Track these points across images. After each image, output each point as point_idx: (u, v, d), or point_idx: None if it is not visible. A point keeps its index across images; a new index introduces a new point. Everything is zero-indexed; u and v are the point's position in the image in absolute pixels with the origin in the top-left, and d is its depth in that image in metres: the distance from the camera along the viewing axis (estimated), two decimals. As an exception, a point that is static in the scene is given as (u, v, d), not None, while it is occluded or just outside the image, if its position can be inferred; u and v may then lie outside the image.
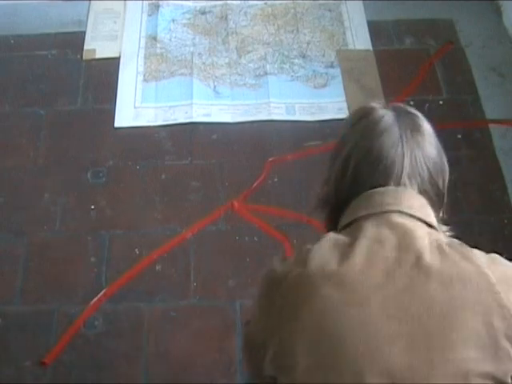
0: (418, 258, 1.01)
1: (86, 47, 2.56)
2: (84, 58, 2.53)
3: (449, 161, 2.26)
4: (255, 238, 2.04)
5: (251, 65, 2.52)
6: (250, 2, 2.74)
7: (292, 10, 2.71)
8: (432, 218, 1.10)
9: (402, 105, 1.19)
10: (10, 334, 1.87)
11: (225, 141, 2.29)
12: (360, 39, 2.60)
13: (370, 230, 1.05)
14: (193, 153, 2.26)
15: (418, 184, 1.10)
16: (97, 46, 2.57)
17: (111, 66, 2.51)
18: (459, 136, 2.29)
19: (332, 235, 1.08)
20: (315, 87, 2.45)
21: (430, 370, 0.95)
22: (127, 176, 2.21)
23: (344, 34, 2.63)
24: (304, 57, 2.55)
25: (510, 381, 1.00)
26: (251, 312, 1.16)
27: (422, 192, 1.10)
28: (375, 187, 1.09)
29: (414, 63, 2.51)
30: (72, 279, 1.97)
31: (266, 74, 2.49)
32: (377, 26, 2.63)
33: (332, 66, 2.50)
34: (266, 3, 2.74)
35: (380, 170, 1.09)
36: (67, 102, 2.41)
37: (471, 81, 2.45)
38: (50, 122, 2.35)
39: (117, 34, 2.63)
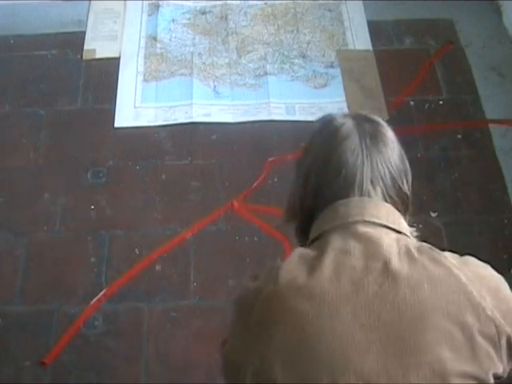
0: (386, 265, 1.01)
1: (86, 47, 2.56)
2: (84, 58, 2.53)
3: (449, 161, 2.26)
4: (255, 238, 2.04)
5: (251, 65, 2.52)
6: (250, 2, 2.74)
7: (292, 10, 2.71)
8: (400, 223, 1.10)
9: (362, 112, 1.19)
10: (10, 334, 1.87)
11: (225, 141, 2.29)
12: (360, 39, 2.60)
13: (336, 241, 1.05)
14: (193, 153, 2.26)
15: (381, 190, 1.10)
16: (97, 46, 2.57)
17: (111, 66, 2.51)
18: (459, 136, 2.29)
19: (299, 250, 1.09)
20: (315, 87, 2.45)
21: (406, 373, 0.95)
22: (127, 176, 2.21)
23: (344, 34, 2.63)
24: (304, 57, 2.55)
25: (492, 380, 1.00)
26: (228, 332, 1.16)
27: (387, 198, 1.10)
28: (339, 198, 1.09)
29: (414, 63, 2.51)
30: (72, 279, 1.97)
31: (266, 73, 2.49)
32: (377, 26, 2.63)
33: (332, 66, 2.50)
34: (266, 3, 2.74)
35: (342, 181, 1.10)
36: (67, 101, 2.41)
37: (471, 81, 2.45)
38: (50, 122, 2.35)
39: (117, 33, 2.63)
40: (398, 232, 1.08)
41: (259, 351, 1.02)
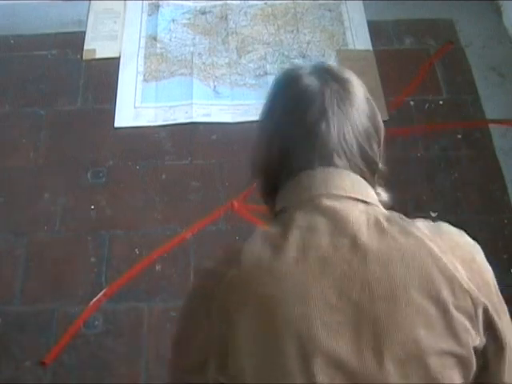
0: (354, 240, 0.96)
1: (86, 47, 2.56)
2: (84, 58, 2.53)
3: (449, 161, 2.25)
4: (255, 238, 2.04)
5: (251, 65, 2.52)
6: (250, 2, 2.74)
7: (292, 10, 2.71)
8: (367, 193, 1.04)
9: (329, 66, 1.11)
10: (10, 334, 1.87)
11: (225, 141, 2.29)
12: (360, 39, 2.60)
13: (300, 217, 1.00)
14: (193, 153, 2.26)
15: (347, 160, 1.03)
16: (97, 46, 2.57)
17: (111, 66, 2.51)
18: (459, 136, 2.29)
19: (262, 229, 1.03)
20: (315, 87, 2.45)
21: (379, 355, 0.91)
22: (127, 176, 2.21)
23: (344, 34, 2.63)
24: (304, 57, 2.55)
25: (473, 354, 0.96)
26: (180, 328, 1.10)
27: (353, 167, 1.04)
28: (304, 167, 1.03)
29: (414, 63, 2.51)
30: (72, 279, 1.97)
31: (265, 73, 2.49)
32: (377, 26, 2.63)
33: (332, 66, 2.50)
34: (266, 3, 2.74)
35: (307, 149, 1.03)
36: (67, 101, 2.41)
37: (471, 81, 2.45)
38: (50, 122, 2.35)
39: (117, 33, 2.63)
40: (366, 203, 1.02)
41: (224, 341, 0.97)
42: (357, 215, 0.99)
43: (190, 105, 2.39)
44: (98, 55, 2.54)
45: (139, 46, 2.59)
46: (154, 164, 2.23)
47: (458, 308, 0.94)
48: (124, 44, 2.60)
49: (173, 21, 2.68)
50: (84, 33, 2.61)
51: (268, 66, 2.51)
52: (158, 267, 1.99)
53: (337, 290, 0.94)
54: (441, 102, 2.39)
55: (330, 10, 2.72)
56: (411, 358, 0.92)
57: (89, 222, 2.10)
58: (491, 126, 2.32)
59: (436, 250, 0.96)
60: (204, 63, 2.53)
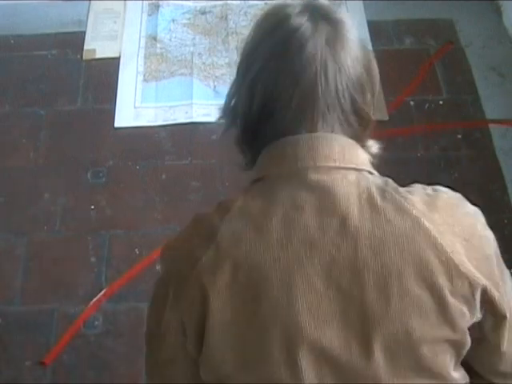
0: (344, 221, 0.88)
1: (86, 47, 2.56)
2: (84, 58, 2.53)
3: (449, 161, 2.24)
4: (255, 238, 2.04)
5: (251, 65, 2.52)
6: (250, 2, 2.74)
7: (292, 10, 2.71)
8: (357, 158, 0.94)
9: (323, 6, 0.98)
10: (10, 334, 1.87)
11: (225, 141, 2.29)
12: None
13: (284, 193, 0.90)
14: (193, 153, 2.26)
15: (338, 114, 0.93)
16: (97, 46, 2.57)
17: (111, 66, 2.51)
18: (459, 136, 2.29)
19: (240, 202, 0.95)
20: (315, 87, 2.45)
21: (368, 347, 0.87)
22: (127, 176, 2.21)
23: (344, 33, 2.62)
24: (304, 57, 2.54)
25: (467, 335, 0.92)
26: (150, 323, 1.03)
27: (344, 122, 0.94)
28: (288, 126, 0.93)
29: (414, 63, 2.51)
30: (72, 279, 1.97)
31: (265, 73, 2.49)
32: (377, 26, 2.63)
33: (332, 66, 2.50)
34: (266, 3, 2.74)
35: (293, 102, 0.92)
36: (67, 101, 2.41)
37: (471, 81, 2.45)
38: (50, 122, 2.35)
39: (117, 33, 2.63)
40: (358, 170, 0.93)
41: (199, 332, 0.91)
42: (347, 190, 0.90)
43: (189, 105, 2.39)
44: (98, 55, 2.54)
45: (139, 46, 2.59)
46: (154, 164, 2.23)
47: (454, 294, 0.89)
48: (124, 44, 2.60)
49: (173, 21, 2.68)
50: (84, 33, 2.61)
51: (268, 66, 2.51)
52: (158, 267, 1.99)
53: (324, 277, 0.87)
54: (441, 102, 2.39)
55: (330, 10, 2.71)
56: (402, 349, 0.88)
57: (89, 222, 2.09)
58: (491, 126, 2.32)
59: (433, 230, 0.89)
60: (204, 63, 2.53)
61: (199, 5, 2.74)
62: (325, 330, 0.87)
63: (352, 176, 0.92)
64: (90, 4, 2.72)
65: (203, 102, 2.40)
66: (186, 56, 2.55)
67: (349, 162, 0.93)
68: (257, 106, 0.96)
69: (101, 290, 1.94)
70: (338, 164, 0.92)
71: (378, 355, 0.88)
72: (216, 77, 2.48)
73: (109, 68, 2.50)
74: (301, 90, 0.92)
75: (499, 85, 2.45)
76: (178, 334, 0.95)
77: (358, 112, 0.96)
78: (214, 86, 2.45)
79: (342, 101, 0.93)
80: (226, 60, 2.54)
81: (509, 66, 2.51)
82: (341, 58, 0.93)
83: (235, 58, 2.54)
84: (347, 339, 0.87)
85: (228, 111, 1.04)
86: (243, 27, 2.65)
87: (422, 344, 0.89)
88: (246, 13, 2.70)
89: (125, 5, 2.74)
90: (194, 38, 2.62)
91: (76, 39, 2.58)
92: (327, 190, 0.90)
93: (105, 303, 1.92)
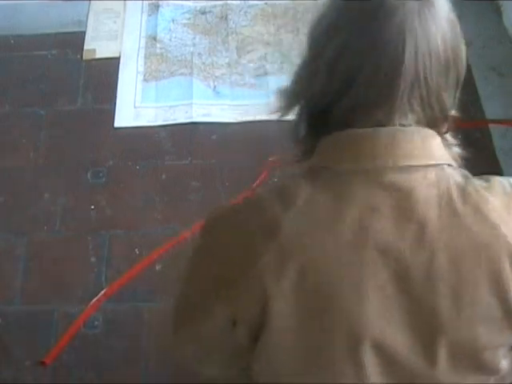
0: (422, 228, 0.84)
1: (86, 47, 2.56)
2: (84, 58, 2.53)
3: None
4: (255, 238, 2.04)
5: (251, 65, 2.52)
6: (250, 2, 2.74)
7: (292, 10, 2.71)
8: (438, 150, 0.90)
9: None
10: (10, 334, 1.87)
11: (225, 141, 2.29)
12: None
13: (359, 193, 0.85)
14: (193, 153, 2.26)
15: (420, 97, 0.87)
16: (97, 46, 2.57)
17: (111, 66, 2.51)
18: (459, 136, 2.29)
19: (308, 195, 0.86)
20: (315, 87, 2.45)
21: (434, 351, 0.86)
22: (127, 176, 2.21)
23: (344, 33, 2.62)
24: (304, 57, 2.54)
25: None
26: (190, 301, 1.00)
27: (426, 108, 0.88)
28: (363, 107, 0.86)
29: (414, 63, 2.51)
30: (72, 279, 1.97)
31: (266, 73, 2.49)
32: (377, 26, 2.62)
33: (332, 66, 2.50)
34: (266, 3, 2.74)
35: (374, 79, 0.85)
36: (67, 101, 2.41)
37: (471, 81, 2.45)
38: (50, 122, 2.35)
39: (117, 33, 2.63)
40: (438, 166, 0.88)
41: (252, 330, 0.88)
42: (427, 193, 0.85)
43: (189, 105, 2.39)
44: (98, 55, 2.54)
45: (139, 46, 2.59)
46: (154, 164, 2.23)
47: None
48: (124, 44, 2.60)
49: (173, 21, 2.68)
50: (84, 33, 2.61)
51: (268, 66, 2.51)
52: (158, 267, 1.99)
53: (396, 283, 0.84)
54: (441, 102, 2.39)
55: (330, 10, 2.71)
56: (466, 354, 0.88)
57: (89, 222, 2.09)
58: (491, 126, 2.32)
59: (509, 236, 0.85)
60: (204, 63, 2.53)
61: (199, 5, 2.74)
62: (391, 332, 0.86)
63: (432, 174, 0.87)
64: (89, 4, 2.72)
65: (203, 102, 2.40)
66: (186, 56, 2.55)
67: (429, 158, 0.88)
68: (335, 84, 0.88)
69: (101, 290, 1.94)
70: (418, 162, 0.87)
71: (442, 359, 0.87)
72: (216, 77, 2.48)
73: (109, 68, 2.50)
74: (386, 64, 0.84)
75: (499, 85, 2.45)
76: (225, 321, 0.92)
77: (439, 98, 0.89)
78: (214, 86, 2.45)
79: (428, 80, 0.86)
80: (226, 60, 2.54)
81: (509, 66, 2.51)
82: (431, 33, 0.86)
83: (235, 57, 2.54)
84: (413, 342, 0.86)
85: (293, 93, 0.96)
86: (243, 27, 2.65)
87: (486, 349, 0.89)
88: (245, 13, 2.70)
89: (125, 5, 2.74)
90: (194, 38, 2.62)
91: (76, 39, 2.58)
92: (406, 192, 0.85)
93: (105, 303, 1.92)
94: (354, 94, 0.86)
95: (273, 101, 0.99)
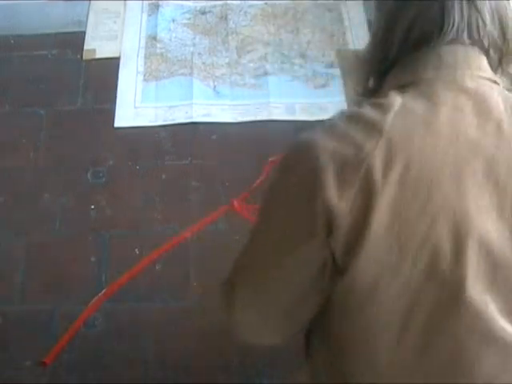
0: (499, 126, 0.94)
1: (86, 47, 2.56)
2: (84, 58, 2.53)
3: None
4: (255, 238, 2.03)
5: (251, 65, 2.52)
6: (250, 2, 2.74)
7: (292, 10, 2.71)
8: (495, 76, 1.01)
9: None
10: (10, 334, 1.87)
11: (225, 141, 2.29)
12: (360, 39, 2.59)
13: (446, 96, 0.95)
14: (193, 153, 2.26)
15: (486, 33, 0.99)
16: (97, 46, 2.57)
17: (111, 66, 2.51)
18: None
19: (403, 101, 0.95)
20: (315, 87, 2.45)
21: None
22: (127, 176, 2.21)
23: (344, 33, 2.62)
24: (304, 57, 2.54)
25: None
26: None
27: (491, 44, 1.00)
28: (437, 41, 0.98)
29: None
30: (72, 279, 1.97)
31: (266, 73, 2.49)
32: (377, 26, 2.62)
33: (332, 66, 2.50)
34: (266, 3, 2.74)
35: (445, 17, 0.97)
36: (67, 102, 2.41)
37: None
38: (50, 122, 2.35)
39: (117, 33, 2.63)
40: (497, 84, 1.00)
41: (350, 238, 0.89)
42: (496, 100, 0.96)
43: (190, 105, 2.39)
44: (98, 55, 2.54)
45: (139, 46, 2.59)
46: (154, 164, 2.23)
47: None
48: (124, 44, 2.60)
49: (173, 21, 2.68)
50: (84, 33, 2.61)
51: (268, 66, 2.51)
52: (158, 267, 1.99)
53: (486, 173, 0.92)
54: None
55: (329, 10, 2.71)
56: None
57: (89, 222, 2.09)
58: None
59: None
60: (204, 63, 2.53)
61: (199, 5, 2.74)
62: (487, 223, 0.91)
63: (495, 86, 0.98)
64: (89, 4, 2.72)
65: (203, 102, 2.40)
66: (186, 56, 2.55)
67: (492, 76, 0.99)
68: (403, 20, 0.99)
69: (101, 290, 1.94)
70: (486, 75, 0.98)
71: None
72: (216, 77, 2.48)
73: (109, 68, 2.50)
74: (453, 8, 0.96)
75: (499, 85, 2.45)
76: (298, 265, 0.95)
77: (500, 35, 1.00)
78: (214, 86, 2.45)
79: (495, 21, 0.98)
80: (226, 60, 2.54)
81: (509, 66, 2.50)
82: None
83: (235, 57, 2.55)
84: (503, 232, 0.91)
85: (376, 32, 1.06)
86: (243, 27, 2.65)
87: None
88: (245, 13, 2.70)
89: (125, 5, 2.74)
90: (194, 38, 2.62)
91: (76, 39, 2.58)
92: (482, 96, 0.95)
93: (105, 303, 1.92)
94: (414, 30, 0.98)
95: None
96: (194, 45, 2.59)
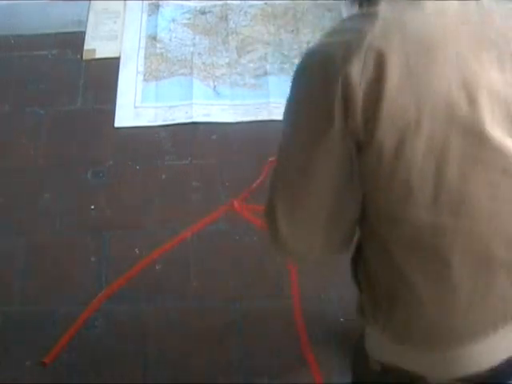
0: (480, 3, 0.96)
1: (86, 47, 2.56)
2: (84, 58, 2.53)
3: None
4: (255, 238, 2.04)
5: (251, 65, 2.52)
6: (250, 2, 2.74)
7: (292, 10, 2.71)
8: None
9: None
10: (10, 334, 1.88)
11: (225, 141, 2.29)
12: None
13: None
14: (193, 153, 2.26)
15: None
16: (97, 46, 2.57)
17: (111, 66, 2.51)
18: None
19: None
20: (315, 87, 2.45)
21: None
22: (127, 176, 2.21)
23: (344, 33, 2.62)
24: (304, 57, 2.54)
25: None
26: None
27: None
28: None
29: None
30: (72, 279, 1.97)
31: (266, 73, 2.49)
32: (377, 26, 2.63)
33: (332, 66, 2.50)
34: (266, 3, 2.74)
35: None
36: (67, 101, 2.41)
37: None
38: (50, 122, 2.35)
39: (117, 33, 2.63)
40: None
41: (368, 111, 0.92)
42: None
43: (190, 105, 2.39)
44: (98, 55, 2.54)
45: (139, 46, 2.59)
46: (154, 164, 2.23)
47: None
48: (124, 44, 2.60)
49: (173, 21, 2.68)
50: (84, 33, 2.62)
51: (268, 66, 2.51)
52: (158, 267, 1.99)
53: (477, 38, 0.94)
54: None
55: (329, 10, 2.71)
56: None
57: (89, 221, 2.10)
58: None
59: None
60: (204, 63, 2.53)
61: (199, 5, 2.74)
62: (492, 74, 0.93)
63: None
64: (89, 4, 2.72)
65: (203, 102, 2.40)
66: (186, 56, 2.55)
67: None
68: None
69: (101, 290, 1.94)
70: None
71: None
72: (216, 77, 2.48)
73: (109, 68, 2.51)
74: None
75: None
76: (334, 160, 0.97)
77: None
78: (214, 86, 2.45)
79: None
80: (226, 60, 2.54)
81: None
82: None
83: (235, 57, 2.55)
84: (506, 80, 0.94)
85: None
86: (243, 27, 2.65)
87: None
88: (245, 13, 2.71)
89: (125, 5, 2.74)
90: (193, 38, 2.62)
91: (76, 39, 2.59)
92: None
93: (105, 303, 1.92)
94: None
95: None
96: (193, 45, 2.60)
